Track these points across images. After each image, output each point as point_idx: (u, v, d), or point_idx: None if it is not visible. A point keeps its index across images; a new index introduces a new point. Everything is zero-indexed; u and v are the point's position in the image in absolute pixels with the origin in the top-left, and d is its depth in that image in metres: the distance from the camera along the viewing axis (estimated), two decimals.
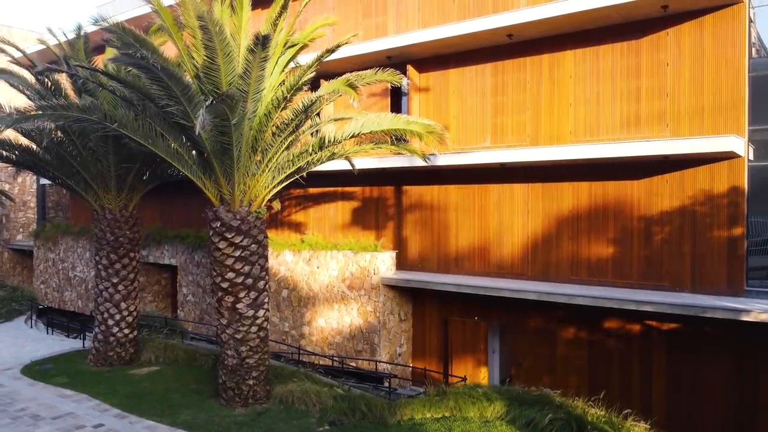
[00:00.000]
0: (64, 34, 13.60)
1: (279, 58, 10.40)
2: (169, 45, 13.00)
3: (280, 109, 9.94)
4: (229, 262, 10.25)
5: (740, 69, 10.95)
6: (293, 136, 10.25)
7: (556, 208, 13.02)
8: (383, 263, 14.61)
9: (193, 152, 10.48)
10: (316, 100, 9.51)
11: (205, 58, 8.83)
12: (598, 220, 12.50)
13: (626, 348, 12.21)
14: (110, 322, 13.18)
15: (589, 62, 12.56)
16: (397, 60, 15.00)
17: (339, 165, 13.81)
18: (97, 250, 13.28)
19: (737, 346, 10.98)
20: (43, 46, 23.87)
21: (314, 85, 12.20)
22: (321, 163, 10.93)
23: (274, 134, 9.89)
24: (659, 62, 11.73)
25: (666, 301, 10.75)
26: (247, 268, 10.30)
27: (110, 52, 13.53)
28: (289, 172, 10.43)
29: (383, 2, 15.76)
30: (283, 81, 10.41)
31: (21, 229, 28.37)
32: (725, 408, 11.11)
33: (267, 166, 10.28)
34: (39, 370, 13.15)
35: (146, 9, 20.55)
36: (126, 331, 13.30)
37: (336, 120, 11.94)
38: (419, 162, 12.67)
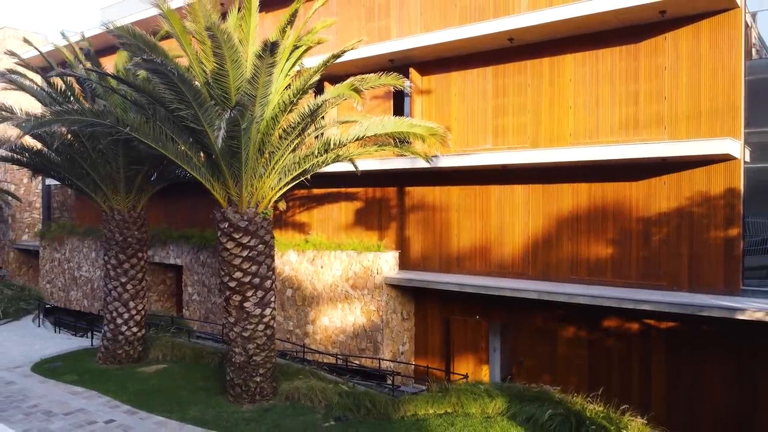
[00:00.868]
0: (82, 37, 13.82)
1: (285, 62, 10.64)
2: (174, 45, 13.27)
3: (286, 112, 10.19)
4: (237, 261, 10.51)
5: (736, 73, 11.18)
6: (299, 139, 10.50)
7: (556, 208, 13.26)
8: (386, 263, 14.85)
9: (201, 154, 10.76)
10: (322, 104, 9.76)
11: (215, 64, 9.08)
12: (598, 221, 12.74)
13: (626, 347, 12.44)
14: (119, 320, 13.43)
15: (588, 66, 12.80)
16: (399, 63, 15.25)
17: (342, 166, 14.06)
18: (106, 250, 13.54)
19: (735, 345, 11.20)
20: (50, 48, 24.18)
21: (318, 87, 12.45)
22: (326, 165, 11.18)
23: (281, 137, 10.14)
24: (657, 66, 11.96)
25: (663, 300, 10.99)
26: (254, 268, 10.56)
27: (121, 56, 13.81)
28: (295, 174, 10.69)
29: (386, 6, 16.00)
30: (289, 84, 10.67)
31: (26, 230, 28.63)
32: (723, 405, 11.34)
33: (273, 168, 10.54)
34: (49, 368, 13.41)
35: (152, 12, 20.90)
36: (134, 329, 13.56)
37: (340, 123, 12.19)
38: (421, 163, 12.93)
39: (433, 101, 15.27)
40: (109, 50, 21.46)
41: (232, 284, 10.56)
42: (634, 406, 9.68)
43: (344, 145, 10.66)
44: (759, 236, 11.57)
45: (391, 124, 10.64)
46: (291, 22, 9.75)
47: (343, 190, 16.81)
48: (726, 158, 11.09)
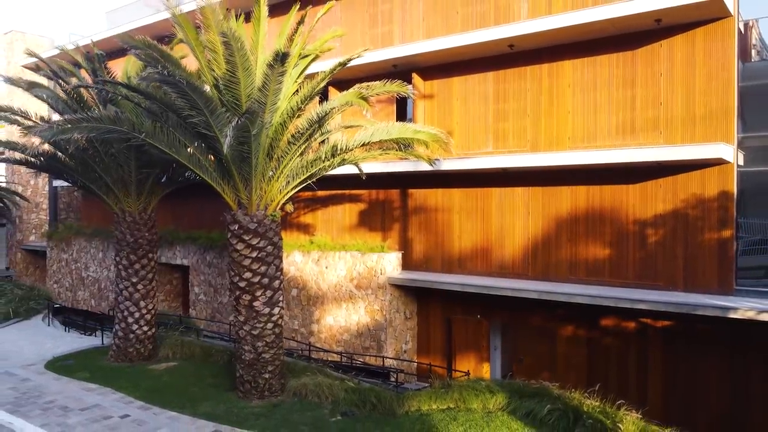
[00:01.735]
0: (91, 43, 14.17)
1: (293, 69, 11.01)
2: (181, 49, 13.65)
3: (294, 118, 10.57)
4: (247, 262, 10.88)
5: (729, 79, 11.54)
6: (307, 143, 10.87)
7: (555, 210, 13.62)
8: (389, 263, 15.22)
9: (210, 157, 11.13)
10: (330, 111, 10.14)
11: (226, 71, 9.46)
12: (596, 223, 13.10)
13: (623, 345, 12.80)
14: (130, 319, 13.82)
15: (586, 72, 13.15)
16: (402, 68, 15.62)
17: (346, 169, 14.42)
18: (117, 251, 13.93)
19: (729, 343, 11.56)
20: (57, 51, 24.57)
21: (323, 91, 12.80)
22: (332, 168, 11.56)
23: (289, 142, 10.52)
24: (653, 72, 12.32)
25: (659, 299, 11.35)
26: (263, 269, 10.93)
27: (130, 62, 14.16)
28: (303, 177, 11.07)
29: (389, 12, 16.38)
30: (297, 90, 11.05)
31: (34, 230, 29.06)
32: (718, 401, 11.70)
33: (282, 172, 10.91)
34: (62, 366, 13.80)
35: (157, 17, 21.27)
36: (145, 328, 13.94)
37: (346, 128, 12.57)
38: (424, 166, 13.30)
39: (435, 105, 15.63)
40: (117, 54, 21.86)
41: (242, 284, 10.94)
42: (631, 402, 10.01)
43: (351, 150, 11.04)
44: (757, 237, 11.91)
45: (396, 130, 11.02)
46: (296, 30, 10.11)
47: (347, 191, 17.18)
48: (719, 162, 11.45)
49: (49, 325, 19.56)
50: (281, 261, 11.49)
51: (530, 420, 9.42)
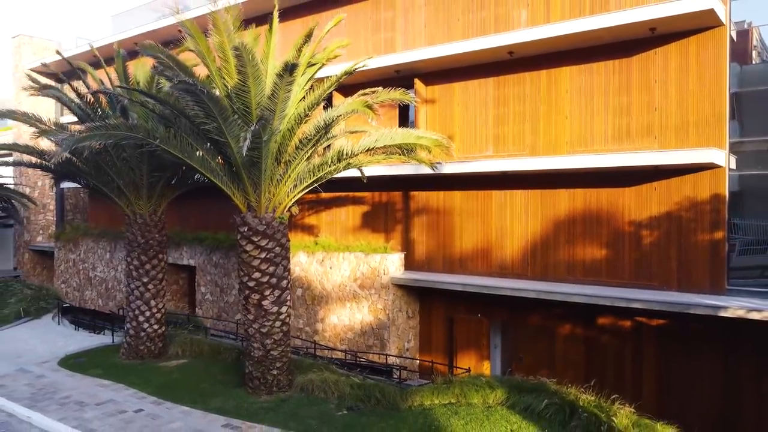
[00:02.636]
0: (90, 47, 14.59)
1: (301, 77, 11.43)
2: (188, 55, 14.05)
3: (301, 124, 10.99)
4: (256, 263, 11.30)
5: (721, 86, 11.95)
6: (314, 148, 11.30)
7: (553, 213, 14.03)
8: (392, 264, 15.64)
9: (219, 161, 11.55)
10: (336, 118, 10.56)
11: (238, 81, 9.88)
12: (593, 225, 13.51)
13: (619, 343, 13.21)
14: (141, 318, 14.24)
15: (583, 78, 13.57)
16: (405, 73, 16.05)
17: (350, 172, 14.80)
18: (129, 251, 14.35)
19: (721, 341, 11.97)
20: (66, 56, 24.99)
21: (328, 96, 13.21)
22: (338, 172, 11.97)
23: (297, 147, 10.94)
24: (648, 79, 12.73)
25: (653, 299, 11.77)
26: (271, 269, 11.36)
27: (138, 66, 14.56)
28: (310, 181, 11.50)
29: (392, 19, 16.80)
30: (303, 97, 11.47)
31: (41, 231, 29.50)
32: (711, 396, 12.11)
33: (289, 176, 11.34)
34: (74, 363, 14.23)
35: (164, 23, 21.71)
36: (155, 326, 14.37)
37: (350, 133, 12.99)
38: (426, 169, 13.71)
39: (436, 110, 16.05)
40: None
41: (251, 284, 11.36)
42: (627, 398, 10.38)
43: (356, 155, 11.46)
44: (755, 237, 12.31)
45: (400, 136, 11.44)
46: (305, 42, 10.55)
47: (350, 194, 17.60)
48: (711, 166, 11.86)
49: (59, 324, 19.99)
50: (289, 261, 11.91)
51: (528, 414, 9.82)
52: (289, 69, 9.12)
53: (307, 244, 17.56)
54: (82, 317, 20.19)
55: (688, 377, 12.34)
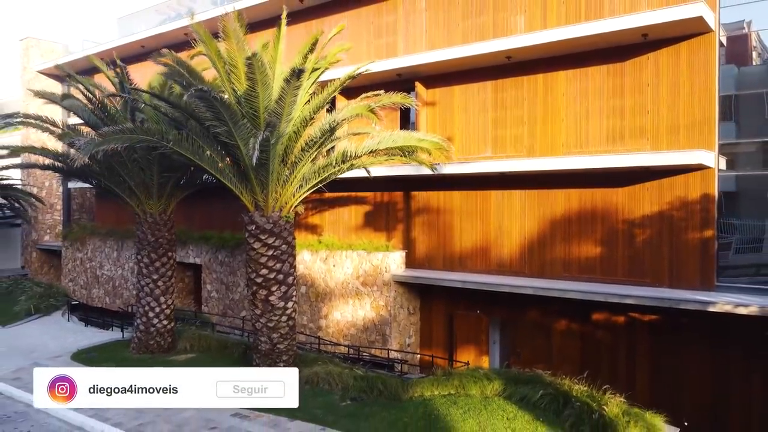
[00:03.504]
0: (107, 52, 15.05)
1: (306, 81, 11.91)
2: (199, 60, 14.55)
3: (306, 126, 11.47)
4: (263, 260, 11.79)
5: (711, 90, 12.40)
6: (318, 150, 11.78)
7: (550, 212, 14.49)
8: (394, 262, 16.11)
9: (228, 162, 12.05)
10: (341, 121, 11.04)
11: (247, 86, 10.36)
12: (588, 223, 13.97)
13: (613, 338, 13.67)
14: (151, 314, 14.73)
15: (579, 82, 14.03)
16: (406, 77, 16.52)
17: (353, 172, 15.30)
18: (139, 249, 14.84)
19: (710, 334, 12.42)
20: (71, 58, 25.45)
21: (331, 99, 13.68)
22: (342, 173, 12.46)
23: (302, 149, 11.43)
24: (641, 83, 13.19)
25: (645, 294, 12.24)
26: (278, 266, 11.84)
27: (152, 72, 15.06)
28: (314, 182, 11.99)
29: (393, 24, 17.28)
30: (308, 101, 11.95)
31: (48, 230, 30.00)
32: (701, 387, 12.58)
33: (295, 177, 11.82)
34: (87, 357, 14.70)
35: (170, 26, 22.19)
36: (165, 322, 14.85)
37: (353, 135, 13.47)
38: (427, 170, 14.18)
39: (437, 112, 16.52)
40: (131, 60, 22.78)
41: (259, 280, 11.84)
42: (621, 390, 10.82)
43: (359, 157, 11.94)
44: (751, 236, 12.76)
45: (401, 138, 11.92)
46: (311, 49, 11.05)
47: (353, 194, 18.07)
48: (701, 167, 12.32)
49: (68, 321, 20.47)
50: (294, 259, 12.39)
51: (524, 404, 10.28)
52: (296, 75, 9.60)
53: (311, 243, 18.03)
54: (91, 314, 20.68)
55: (679, 370, 12.80)
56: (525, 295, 13.93)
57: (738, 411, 12.20)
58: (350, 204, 18.26)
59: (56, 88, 28.11)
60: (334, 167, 11.91)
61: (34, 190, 28.93)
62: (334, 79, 12.12)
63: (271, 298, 11.84)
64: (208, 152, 11.58)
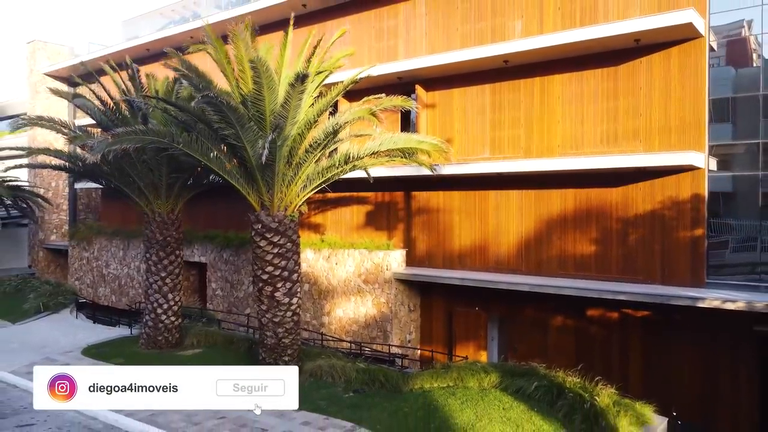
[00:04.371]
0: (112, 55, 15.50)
1: (310, 85, 12.36)
2: (201, 59, 14.98)
3: (310, 129, 11.93)
4: (269, 257, 12.24)
5: (700, 93, 12.84)
6: (322, 152, 12.23)
7: (546, 211, 14.93)
8: (395, 260, 16.55)
9: (234, 162, 12.49)
10: (344, 124, 11.49)
11: (253, 90, 10.82)
12: (583, 222, 14.41)
13: (607, 333, 14.11)
14: (159, 311, 15.19)
15: (574, 85, 14.47)
16: (406, 80, 16.96)
17: (355, 173, 15.75)
18: (147, 248, 15.30)
19: (700, 329, 12.85)
20: (75, 61, 25.89)
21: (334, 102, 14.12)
22: (344, 174, 12.91)
23: (306, 151, 11.88)
24: (634, 87, 13.62)
25: (637, 291, 12.68)
26: (283, 263, 12.29)
27: (159, 74, 15.52)
28: (318, 182, 12.44)
29: (394, 28, 17.73)
30: (312, 104, 12.40)
31: (54, 230, 30.49)
32: (690, 380, 13.02)
33: (300, 178, 12.27)
34: (97, 353, 15.17)
35: (175, 30, 22.66)
36: (173, 318, 15.31)
37: (355, 136, 13.92)
38: (426, 171, 14.63)
39: (437, 114, 16.97)
40: (137, 62, 23.21)
41: (265, 277, 12.29)
42: (614, 382, 11.24)
43: (361, 158, 12.39)
44: (745, 236, 13.15)
45: (402, 140, 12.37)
46: (314, 53, 11.51)
47: (354, 194, 18.52)
48: (691, 168, 12.75)
49: (76, 318, 20.95)
50: (299, 257, 12.84)
51: (520, 395, 10.71)
52: (301, 79, 10.05)
53: (314, 242, 18.47)
54: (98, 312, 21.17)
55: (670, 363, 13.23)
56: (522, 292, 14.37)
57: (726, 402, 12.64)
58: (352, 204, 18.70)
59: (63, 89, 28.57)
60: (337, 168, 12.36)
61: (41, 191, 29.40)
62: (338, 83, 12.58)
63: (277, 294, 12.29)
64: (216, 154, 12.04)
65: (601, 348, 14.17)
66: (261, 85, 10.61)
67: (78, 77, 16.82)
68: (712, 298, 11.68)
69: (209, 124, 11.34)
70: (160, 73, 17.24)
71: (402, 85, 17.07)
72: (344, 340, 16.91)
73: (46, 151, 14.61)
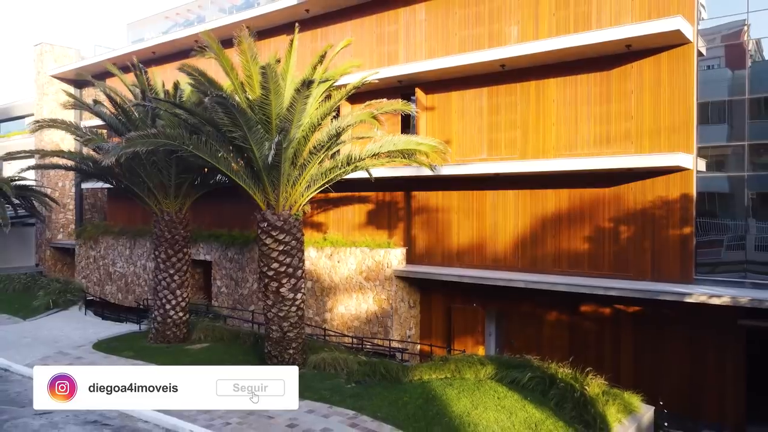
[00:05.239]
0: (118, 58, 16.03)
1: (315, 90, 12.89)
2: (204, 63, 15.52)
3: (314, 131, 12.47)
4: (274, 254, 12.77)
5: (689, 96, 13.35)
6: (326, 153, 12.77)
7: (541, 210, 15.46)
8: (395, 258, 17.08)
9: (241, 163, 13.03)
10: (347, 127, 12.03)
11: (261, 94, 11.35)
12: (576, 221, 14.93)
13: (600, 328, 14.64)
14: (167, 306, 15.72)
15: (568, 89, 14.99)
16: (407, 83, 17.50)
17: (357, 173, 16.29)
18: (156, 246, 15.84)
19: (688, 324, 13.38)
20: (85, 63, 26.46)
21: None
22: (346, 174, 13.45)
23: (311, 152, 12.42)
24: (625, 90, 14.14)
25: (628, 287, 13.20)
26: (288, 260, 12.82)
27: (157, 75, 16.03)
28: (321, 182, 12.97)
29: (395, 33, 18.26)
30: (317, 108, 12.93)
31: (61, 229, 31.05)
32: (679, 372, 13.54)
33: (304, 178, 12.81)
34: (108, 347, 15.70)
35: (179, 34, 23.19)
36: (180, 313, 15.85)
37: (357, 138, 14.46)
38: (426, 171, 15.16)
39: (436, 117, 17.49)
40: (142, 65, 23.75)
41: (270, 273, 12.82)
42: (606, 375, 11.74)
43: (363, 159, 12.92)
44: (739, 235, 13.61)
45: (402, 142, 12.90)
46: (320, 61, 12.06)
47: (356, 194, 19.05)
48: (680, 169, 13.27)
49: (85, 315, 21.49)
50: (303, 254, 13.38)
51: (514, 385, 11.24)
52: (306, 85, 10.58)
53: (316, 240, 19.01)
54: (105, 309, 21.71)
55: (659, 356, 13.75)
56: (518, 289, 14.89)
57: (712, 393, 13.16)
58: (354, 203, 19.24)
59: (70, 91, 29.14)
60: (340, 169, 12.89)
61: (48, 191, 29.94)
62: (341, 86, 13.10)
63: (282, 289, 12.82)
64: (224, 155, 12.58)
65: (594, 341, 14.70)
66: (268, 90, 11.14)
67: (90, 76, 17.34)
68: (699, 294, 12.19)
69: (217, 127, 11.87)
70: (161, 77, 17.73)
71: (402, 88, 17.63)
72: (346, 336, 17.44)
73: (60, 153, 15.15)
